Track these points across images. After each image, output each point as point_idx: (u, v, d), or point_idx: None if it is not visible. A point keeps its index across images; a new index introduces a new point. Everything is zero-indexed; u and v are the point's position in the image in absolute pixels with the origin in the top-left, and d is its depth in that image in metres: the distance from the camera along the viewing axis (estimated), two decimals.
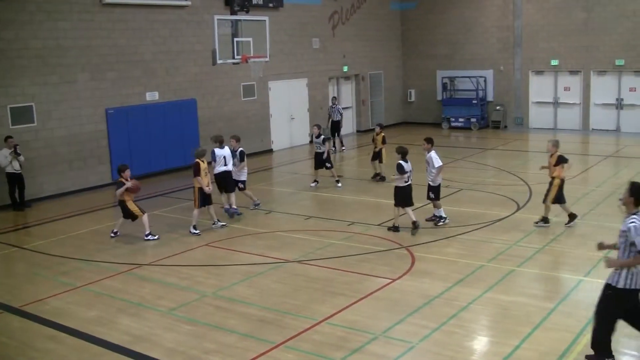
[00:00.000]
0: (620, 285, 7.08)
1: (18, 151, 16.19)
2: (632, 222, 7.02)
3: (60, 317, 9.62)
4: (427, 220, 13.85)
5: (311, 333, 8.69)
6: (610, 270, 7.19)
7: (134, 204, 13.61)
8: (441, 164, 13.51)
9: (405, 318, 9.04)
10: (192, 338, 8.71)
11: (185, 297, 10.22)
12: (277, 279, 10.88)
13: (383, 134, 18.80)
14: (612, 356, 7.42)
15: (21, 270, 12.11)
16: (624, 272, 7.06)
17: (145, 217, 13.58)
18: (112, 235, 13.83)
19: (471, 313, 9.17)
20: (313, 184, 17.77)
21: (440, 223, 13.65)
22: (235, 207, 14.98)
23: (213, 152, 14.88)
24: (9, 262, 12.77)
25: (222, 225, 14.21)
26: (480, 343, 8.40)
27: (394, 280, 10.55)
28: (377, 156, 18.63)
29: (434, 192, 13.69)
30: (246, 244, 13.08)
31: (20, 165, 16.32)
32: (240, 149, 15.35)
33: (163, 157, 20.57)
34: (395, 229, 13.29)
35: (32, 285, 11.09)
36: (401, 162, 13.28)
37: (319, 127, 18.09)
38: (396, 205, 13.33)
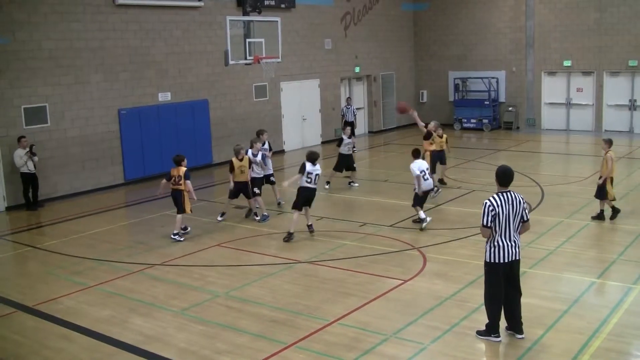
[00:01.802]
0: (487, 258, 8.10)
1: (33, 151, 16.31)
2: None
3: (73, 316, 9.68)
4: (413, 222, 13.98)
5: (323, 334, 8.70)
6: None
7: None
8: (417, 174, 13.47)
9: (417, 319, 9.04)
10: (204, 338, 8.74)
11: (198, 297, 10.26)
12: (289, 280, 10.90)
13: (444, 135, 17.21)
14: (498, 333, 8.24)
15: (34, 270, 12.19)
16: (488, 246, 8.07)
17: (180, 217, 13.49)
18: (183, 232, 13.62)
19: (483, 314, 9.12)
20: (327, 186, 17.66)
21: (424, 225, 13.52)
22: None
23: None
24: (22, 262, 12.87)
25: (261, 218, 14.69)
26: (492, 345, 8.38)
27: (405, 281, 10.54)
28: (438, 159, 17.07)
29: (415, 199, 13.65)
30: (258, 244, 13.11)
31: (35, 166, 16.43)
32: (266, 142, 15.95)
33: None
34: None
35: (45, 285, 11.17)
36: (306, 163, 13.13)
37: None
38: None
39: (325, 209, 15.74)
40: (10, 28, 16.52)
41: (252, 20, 17.63)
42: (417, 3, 31.13)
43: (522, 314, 8.61)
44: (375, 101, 29.48)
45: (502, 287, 8.13)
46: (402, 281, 10.53)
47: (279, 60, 18.43)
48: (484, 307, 9.27)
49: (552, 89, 28.22)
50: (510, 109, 28.93)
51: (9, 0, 16.47)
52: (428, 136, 16.61)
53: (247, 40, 17.12)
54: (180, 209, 13.36)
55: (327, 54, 26.52)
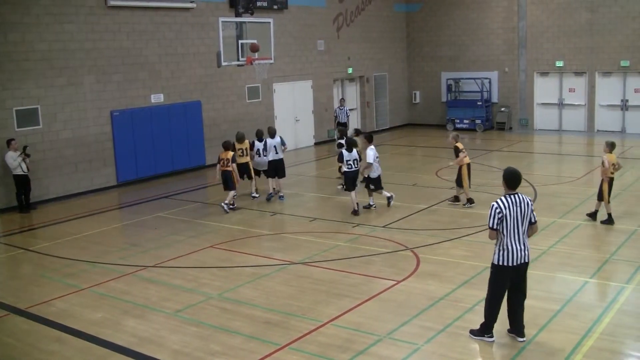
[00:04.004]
0: (495, 261, 8.02)
1: (27, 152, 16.27)
2: None
3: (65, 318, 9.65)
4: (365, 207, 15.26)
5: (316, 335, 8.70)
6: None
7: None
8: (371, 161, 14.74)
9: (411, 320, 9.04)
10: (197, 340, 8.72)
11: (191, 298, 10.24)
12: (283, 281, 10.90)
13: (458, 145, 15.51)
14: (492, 334, 8.26)
15: (27, 272, 12.15)
16: (496, 249, 8.02)
17: (232, 193, 15.68)
18: (231, 207, 15.74)
19: (476, 315, 9.14)
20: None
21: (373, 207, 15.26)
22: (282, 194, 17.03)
23: (266, 142, 16.84)
24: (14, 264, 12.81)
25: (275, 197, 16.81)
26: (486, 345, 8.39)
27: (399, 282, 10.55)
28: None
29: (373, 183, 15.22)
30: (251, 245, 13.10)
31: (27, 168, 16.38)
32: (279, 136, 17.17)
33: (168, 159, 20.62)
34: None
35: (37, 287, 11.13)
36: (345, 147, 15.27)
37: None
38: None
39: (318, 210, 15.74)
40: (3, 29, 16.46)
41: (244, 22, 17.60)
42: (410, 4, 31.19)
43: None
44: (368, 102, 29.53)
45: (505, 290, 8.13)
46: (396, 282, 10.54)
47: (272, 61, 18.42)
48: (477, 307, 9.32)
49: (544, 89, 28.32)
50: (502, 109, 29.01)
51: (2, 2, 16.41)
52: (458, 152, 15.26)
53: (240, 41, 17.11)
54: (232, 186, 15.62)
55: (319, 55, 26.54)
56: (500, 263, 7.95)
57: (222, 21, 16.96)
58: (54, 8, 17.51)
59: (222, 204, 15.65)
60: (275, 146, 16.78)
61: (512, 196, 7.91)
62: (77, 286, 11.03)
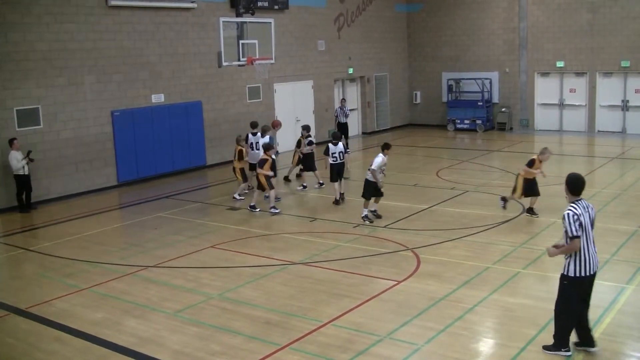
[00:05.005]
0: (571, 273, 7.58)
1: (31, 157, 16.33)
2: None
3: (66, 318, 9.64)
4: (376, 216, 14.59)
5: (317, 335, 8.70)
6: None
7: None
8: (374, 167, 14.10)
9: (411, 320, 9.04)
10: (198, 340, 8.72)
11: (191, 299, 10.24)
12: (283, 281, 10.89)
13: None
14: (569, 347, 7.77)
15: (27, 272, 12.15)
16: (572, 260, 7.58)
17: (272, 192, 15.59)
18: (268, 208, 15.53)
19: (477, 315, 9.16)
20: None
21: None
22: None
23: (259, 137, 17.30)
24: (15, 264, 12.81)
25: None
26: (486, 345, 8.39)
27: (399, 282, 10.55)
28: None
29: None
30: (252, 245, 13.10)
31: (29, 168, 16.40)
32: (267, 135, 17.32)
33: (169, 159, 20.62)
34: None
35: (38, 287, 11.13)
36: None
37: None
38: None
39: (319, 210, 15.74)
40: (3, 29, 16.46)
41: (245, 22, 17.60)
42: (411, 4, 31.18)
43: (517, 314, 8.64)
44: (369, 102, 29.51)
45: (580, 302, 7.73)
46: (396, 282, 10.53)
47: (272, 61, 18.43)
48: (477, 307, 9.32)
49: (545, 89, 28.31)
50: (503, 109, 29.00)
51: (2, 2, 16.41)
52: (531, 164, 14.39)
53: (241, 41, 17.11)
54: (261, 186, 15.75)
55: (320, 55, 26.53)
56: (578, 274, 7.55)
57: (223, 21, 16.96)
58: (55, 8, 17.50)
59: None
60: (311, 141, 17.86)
61: (581, 202, 7.61)
62: (78, 286, 11.02)
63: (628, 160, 20.78)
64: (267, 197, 15.97)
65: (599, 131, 26.92)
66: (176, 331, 9.04)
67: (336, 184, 16.18)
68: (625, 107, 26.48)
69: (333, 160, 16.13)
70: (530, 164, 14.30)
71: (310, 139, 18.49)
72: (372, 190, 14.25)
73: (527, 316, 8.98)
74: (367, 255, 12.01)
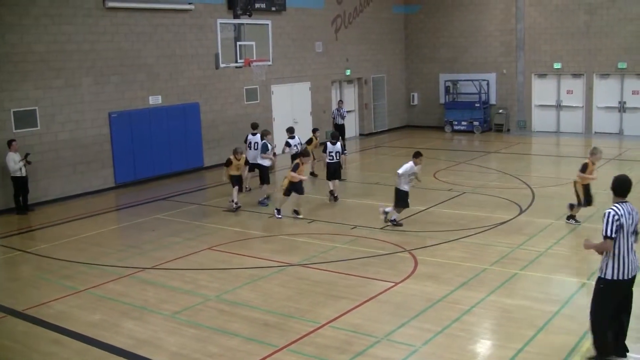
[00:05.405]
0: (609, 276, 7.35)
1: (29, 160, 16.32)
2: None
3: (63, 320, 9.63)
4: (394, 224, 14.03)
5: (314, 336, 8.70)
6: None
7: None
8: (400, 172, 13.90)
9: (409, 321, 9.05)
10: (195, 342, 8.71)
11: (189, 300, 10.24)
12: (281, 283, 10.89)
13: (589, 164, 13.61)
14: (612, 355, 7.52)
15: (25, 274, 12.13)
16: (609, 262, 7.34)
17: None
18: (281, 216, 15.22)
19: (474, 316, 9.17)
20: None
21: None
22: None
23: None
24: (12, 266, 12.80)
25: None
26: (484, 346, 8.40)
27: (397, 283, 10.55)
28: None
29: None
30: (249, 247, 13.10)
31: (26, 170, 16.38)
32: (264, 141, 17.34)
33: (166, 160, 20.61)
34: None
35: (35, 289, 11.11)
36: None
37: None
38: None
39: (316, 212, 15.74)
40: (0, 31, 16.44)
41: (242, 23, 17.61)
42: (408, 6, 31.20)
43: (515, 316, 8.65)
44: (366, 104, 29.52)
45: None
46: (394, 283, 10.54)
47: (270, 63, 18.44)
48: (475, 309, 9.33)
49: (542, 91, 28.35)
50: (500, 111, 29.03)
51: (0, 3, 16.41)
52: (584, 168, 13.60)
53: (238, 43, 17.12)
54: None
55: (318, 56, 26.54)
56: (616, 277, 7.31)
57: (220, 23, 16.98)
58: (52, 9, 17.50)
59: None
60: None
61: (624, 204, 7.38)
62: (75, 288, 11.01)
63: (625, 162, 20.80)
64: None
65: (596, 132, 26.97)
66: (174, 333, 9.04)
67: (330, 183, 16.67)
68: (622, 108, 26.52)
69: (329, 159, 16.68)
70: (584, 168, 13.43)
71: (292, 140, 18.97)
72: (406, 199, 13.80)
73: (525, 317, 8.99)
74: (365, 257, 12.01)
